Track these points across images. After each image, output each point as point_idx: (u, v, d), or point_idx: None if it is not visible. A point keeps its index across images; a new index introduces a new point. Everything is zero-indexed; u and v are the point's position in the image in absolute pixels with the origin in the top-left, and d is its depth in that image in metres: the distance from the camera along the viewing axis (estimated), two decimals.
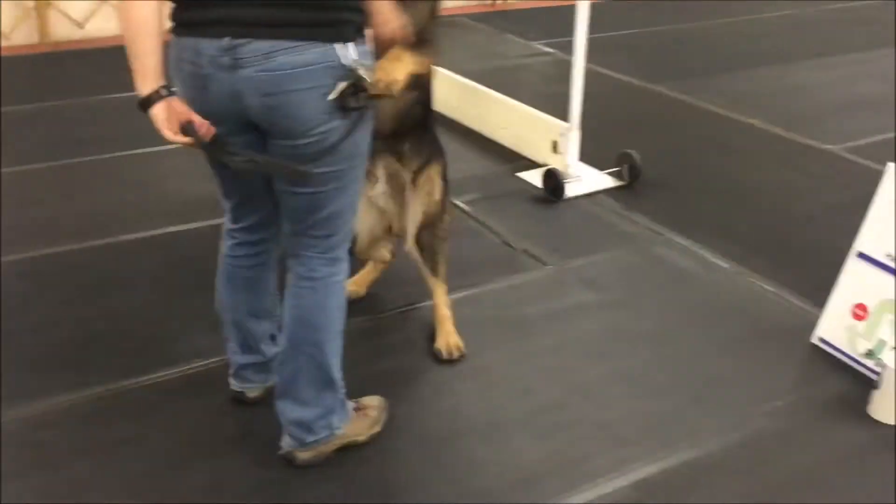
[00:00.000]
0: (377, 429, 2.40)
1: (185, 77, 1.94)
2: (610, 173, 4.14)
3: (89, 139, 4.49)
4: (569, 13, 3.98)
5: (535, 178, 4.10)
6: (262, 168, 1.99)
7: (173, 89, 1.90)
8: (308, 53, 1.86)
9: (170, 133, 1.87)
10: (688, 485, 2.27)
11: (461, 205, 3.79)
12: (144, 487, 2.23)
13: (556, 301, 3.12)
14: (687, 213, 3.82)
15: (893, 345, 2.59)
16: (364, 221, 2.89)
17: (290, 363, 2.20)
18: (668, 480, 2.28)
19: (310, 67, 1.86)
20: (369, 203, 2.86)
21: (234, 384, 2.51)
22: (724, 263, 3.38)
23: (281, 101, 1.89)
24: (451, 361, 2.74)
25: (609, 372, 2.73)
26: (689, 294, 3.19)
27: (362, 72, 1.91)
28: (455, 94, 4.90)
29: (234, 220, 2.28)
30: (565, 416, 2.53)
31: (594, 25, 7.27)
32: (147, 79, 1.85)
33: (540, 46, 6.56)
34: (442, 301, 2.85)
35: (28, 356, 2.73)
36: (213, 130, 1.90)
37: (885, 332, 2.63)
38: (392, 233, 2.95)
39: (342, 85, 1.88)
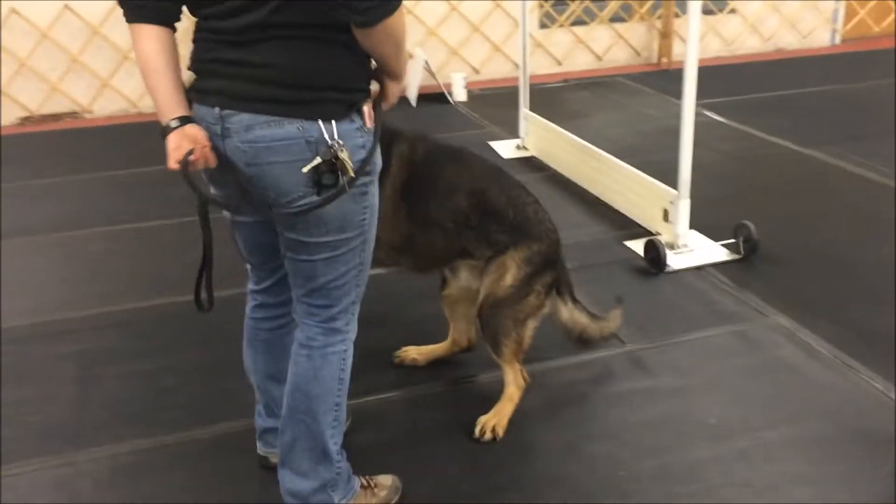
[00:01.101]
0: None
1: None
2: (725, 245, 3.83)
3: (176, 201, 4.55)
4: (739, 72, 3.70)
5: (641, 247, 3.87)
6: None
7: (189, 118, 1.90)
8: (287, 128, 1.86)
9: (172, 162, 1.87)
10: None
11: None
12: None
13: (623, 384, 2.89)
14: (803, 293, 3.44)
15: None
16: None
17: (287, 431, 2.17)
18: None
19: (287, 142, 1.86)
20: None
21: (260, 448, 2.51)
22: (830, 353, 3.00)
23: (262, 171, 1.91)
24: (485, 441, 2.60)
25: (657, 468, 2.47)
26: (778, 385, 2.85)
27: (341, 152, 1.88)
28: (576, 158, 4.78)
29: (255, 281, 2.31)
30: None
31: (758, 84, 6.90)
32: (161, 111, 1.90)
33: (696, 107, 6.21)
34: (509, 380, 2.71)
35: (95, 406, 2.90)
36: (202, 164, 1.90)
37: None
38: None
39: (316, 161, 1.87)
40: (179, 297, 3.60)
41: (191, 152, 1.86)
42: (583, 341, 2.90)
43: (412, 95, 6.79)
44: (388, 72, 2.00)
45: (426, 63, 6.70)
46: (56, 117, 6.64)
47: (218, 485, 2.49)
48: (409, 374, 3.00)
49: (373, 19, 1.76)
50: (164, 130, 1.89)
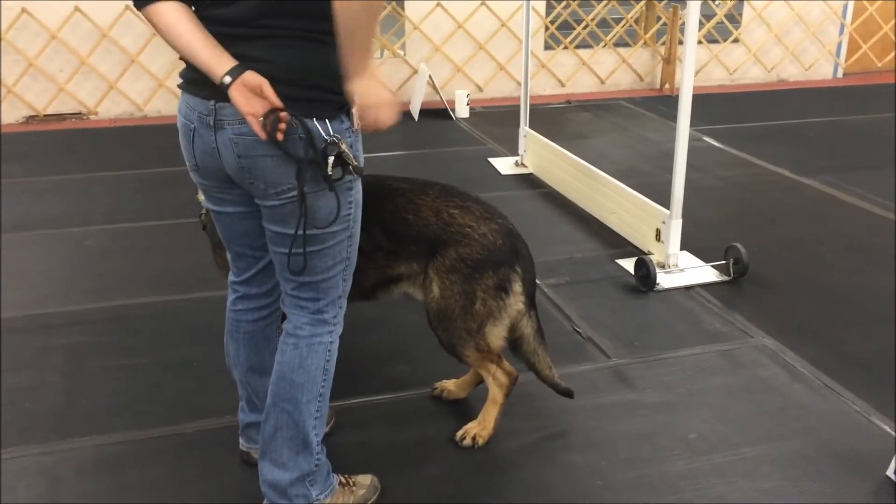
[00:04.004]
0: None
1: (179, 127, 2.05)
2: (715, 266, 3.86)
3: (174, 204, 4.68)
4: (741, 100, 3.75)
5: (632, 266, 3.90)
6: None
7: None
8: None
9: (253, 119, 1.85)
10: None
11: (544, 288, 3.67)
12: None
13: (606, 397, 2.91)
14: (790, 316, 3.47)
15: None
16: None
17: (270, 420, 2.19)
18: None
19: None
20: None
21: (242, 443, 2.54)
22: (813, 374, 3.02)
23: (253, 163, 1.95)
24: (468, 447, 2.62)
25: (634, 479, 2.49)
26: (760, 404, 2.87)
27: (343, 145, 1.94)
28: (573, 176, 4.82)
29: (236, 272, 2.34)
30: None
31: (759, 113, 6.95)
32: (210, 71, 1.88)
33: (695, 133, 6.28)
34: (488, 382, 2.65)
35: (83, 398, 2.93)
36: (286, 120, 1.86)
37: None
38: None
39: (330, 159, 1.91)
40: (172, 295, 3.66)
41: (277, 118, 1.83)
42: (514, 348, 2.66)
43: (415, 110, 6.85)
44: (353, 65, 1.90)
45: (430, 78, 6.77)
46: (61, 117, 6.70)
47: (199, 479, 2.51)
48: (398, 379, 3.03)
49: None
50: (222, 88, 1.86)
